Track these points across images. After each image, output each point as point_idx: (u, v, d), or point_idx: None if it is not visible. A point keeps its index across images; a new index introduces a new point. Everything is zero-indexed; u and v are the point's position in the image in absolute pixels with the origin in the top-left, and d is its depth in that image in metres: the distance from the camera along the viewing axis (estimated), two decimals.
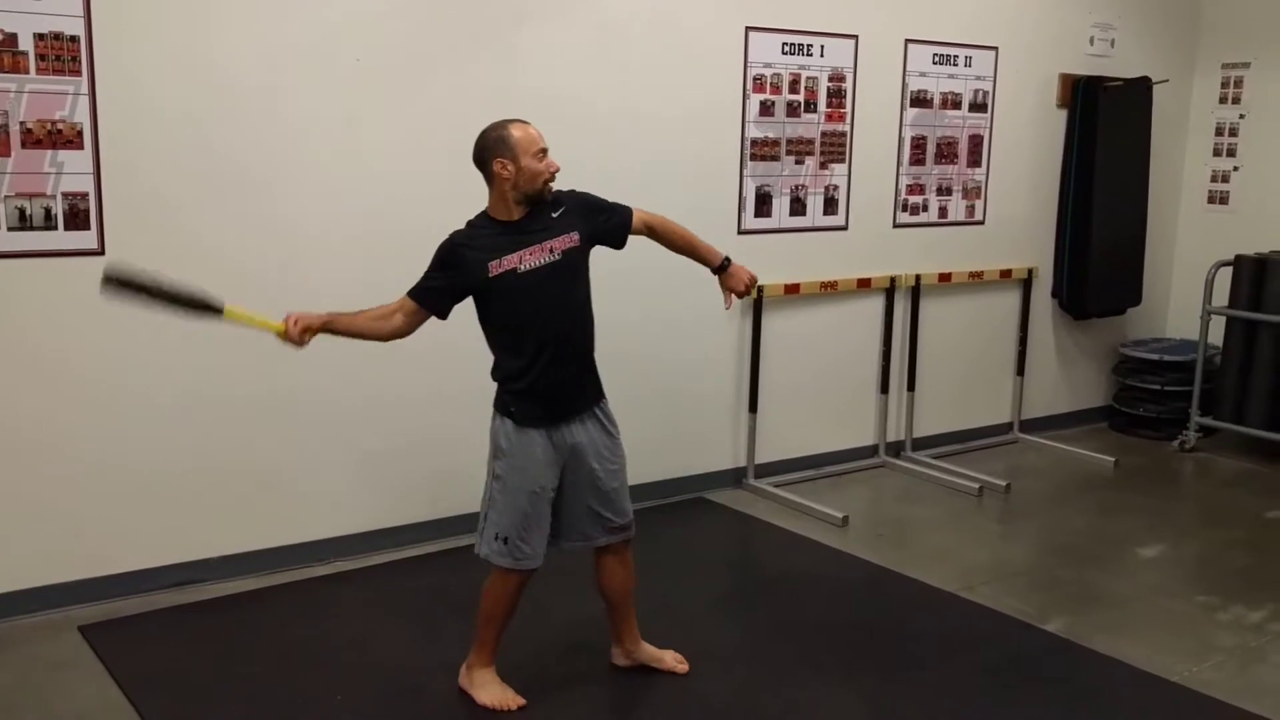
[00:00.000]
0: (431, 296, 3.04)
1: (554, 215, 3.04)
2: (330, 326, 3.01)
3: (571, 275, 3.06)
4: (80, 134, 3.59)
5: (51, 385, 3.68)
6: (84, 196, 3.63)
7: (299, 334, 2.96)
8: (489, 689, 3.18)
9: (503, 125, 2.99)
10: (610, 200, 3.20)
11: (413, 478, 4.38)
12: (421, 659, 3.46)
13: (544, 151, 2.99)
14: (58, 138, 3.56)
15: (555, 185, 3.04)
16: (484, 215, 3.07)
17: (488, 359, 4.36)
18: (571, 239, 3.04)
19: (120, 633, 3.62)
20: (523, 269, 2.98)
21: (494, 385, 3.14)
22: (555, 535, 3.17)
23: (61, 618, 3.70)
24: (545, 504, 3.08)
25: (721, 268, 3.30)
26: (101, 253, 3.67)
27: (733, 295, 3.31)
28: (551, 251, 3.01)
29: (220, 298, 2.98)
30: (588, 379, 3.14)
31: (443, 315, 3.09)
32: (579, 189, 3.18)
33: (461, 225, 3.09)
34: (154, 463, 3.87)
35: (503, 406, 3.09)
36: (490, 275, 2.97)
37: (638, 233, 3.22)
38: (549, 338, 3.01)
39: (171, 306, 2.94)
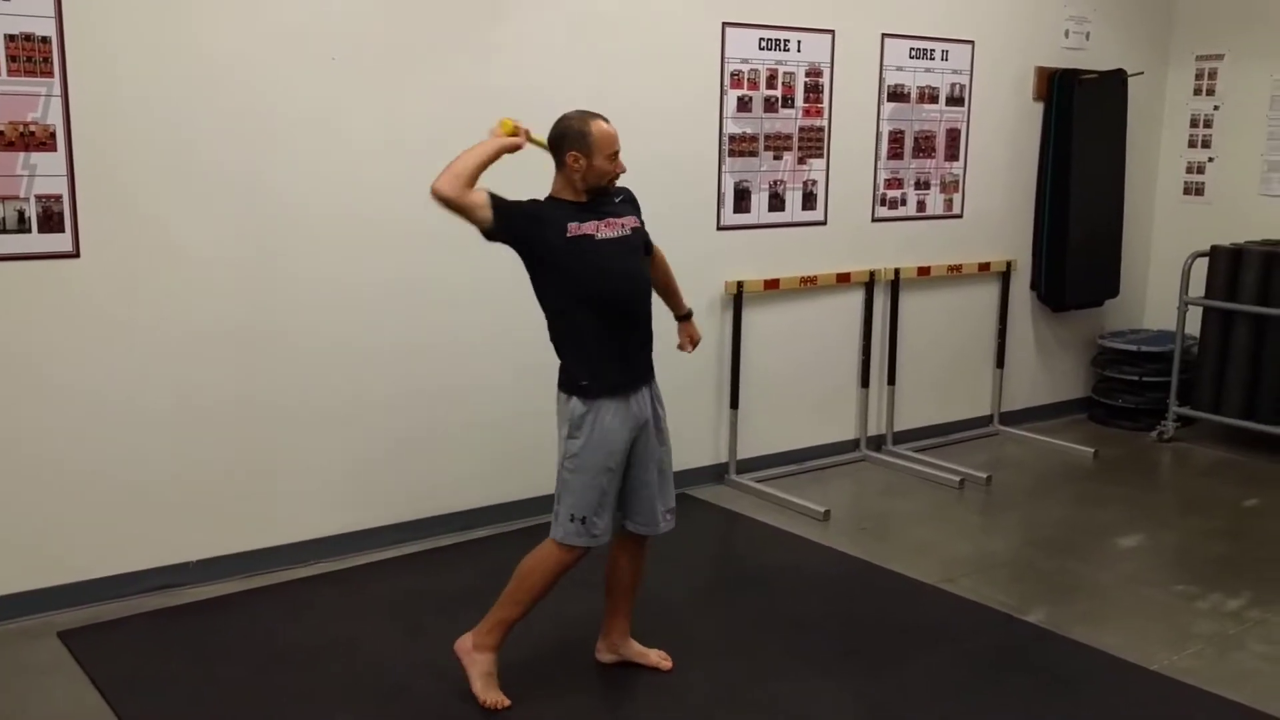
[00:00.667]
0: (506, 209, 2.95)
1: (616, 201, 3.14)
2: (509, 149, 3.04)
3: (638, 251, 3.17)
4: (53, 135, 3.56)
5: (27, 389, 3.65)
6: (58, 199, 3.60)
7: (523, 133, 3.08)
8: (486, 681, 3.17)
9: (586, 119, 3.03)
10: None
11: (394, 479, 4.36)
12: (405, 659, 3.45)
13: (617, 154, 3.05)
14: (30, 139, 3.53)
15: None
16: (550, 197, 3.10)
17: (461, 361, 4.39)
18: (636, 221, 3.17)
19: (100, 638, 3.59)
20: (599, 236, 3.05)
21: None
22: (625, 517, 3.22)
23: (40, 623, 3.67)
24: (617, 480, 3.12)
25: (685, 316, 3.51)
26: (76, 255, 3.64)
27: (690, 342, 3.53)
28: (623, 227, 3.11)
29: None
30: (648, 351, 3.21)
31: (494, 234, 2.97)
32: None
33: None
34: (133, 466, 3.84)
35: (572, 383, 3.09)
36: (568, 236, 3.00)
37: (648, 253, 3.31)
38: (621, 305, 3.08)
39: None
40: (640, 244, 3.19)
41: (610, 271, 3.05)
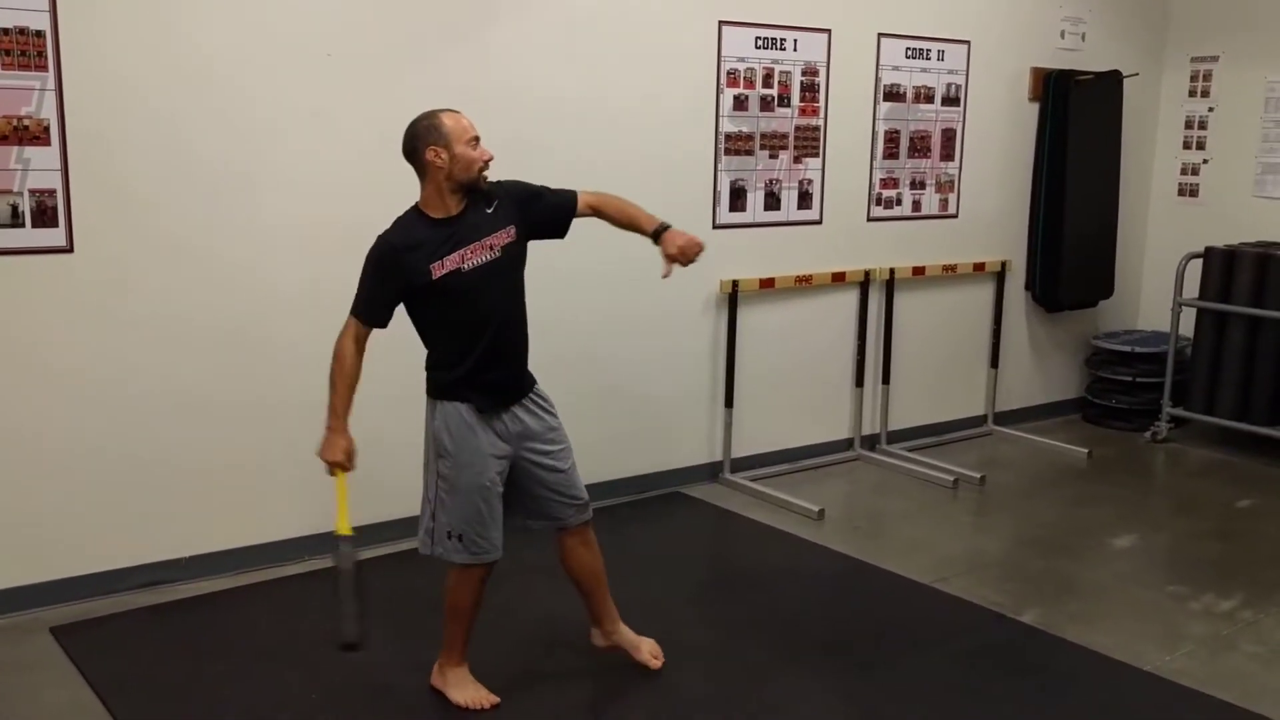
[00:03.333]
0: (375, 313, 2.97)
1: (489, 210, 2.99)
2: (344, 428, 3.03)
3: (510, 271, 3.03)
4: (47, 130, 3.55)
5: (19, 385, 3.64)
6: (51, 193, 3.59)
7: (348, 460, 3.04)
8: (463, 688, 3.17)
9: (433, 114, 2.93)
10: (553, 187, 3.14)
11: (384, 476, 4.34)
12: (394, 657, 3.45)
13: (476, 139, 2.94)
14: (24, 134, 3.52)
15: (490, 176, 3.00)
16: (416, 211, 2.99)
17: None
18: (509, 234, 3.00)
19: (92, 634, 3.58)
20: (466, 268, 2.93)
21: None
22: (525, 517, 3.17)
23: (32, 619, 3.67)
24: (496, 497, 3.05)
25: (656, 234, 3.10)
26: (70, 250, 3.63)
27: (672, 263, 3.07)
28: (492, 249, 2.97)
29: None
30: (524, 370, 3.13)
31: (385, 325, 3.01)
32: (527, 181, 3.14)
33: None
34: (125, 462, 3.83)
35: (441, 394, 3.03)
36: (434, 278, 2.91)
37: (583, 215, 3.16)
38: (490, 333, 2.98)
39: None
40: (514, 260, 3.01)
41: (483, 303, 2.96)
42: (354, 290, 3.02)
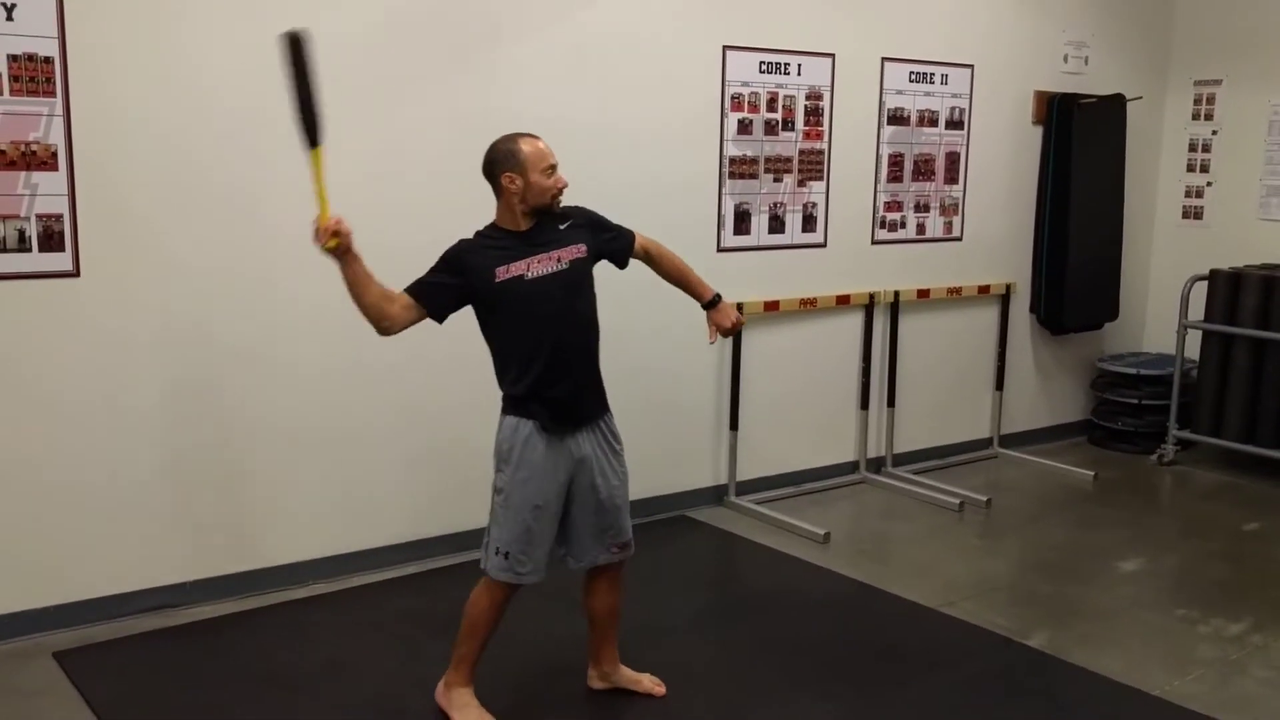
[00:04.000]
0: (430, 293, 2.98)
1: (561, 228, 3.06)
2: (353, 262, 2.88)
3: (577, 285, 3.07)
4: (55, 155, 3.57)
5: (26, 408, 3.65)
6: (59, 218, 3.60)
7: (329, 234, 2.84)
8: (466, 711, 3.15)
9: (513, 139, 3.00)
10: (614, 222, 3.22)
11: (389, 499, 4.35)
12: (400, 681, 3.43)
13: (553, 168, 3.00)
14: (32, 159, 3.54)
15: (563, 201, 3.07)
16: (492, 225, 3.08)
17: (463, 378, 4.38)
18: (579, 250, 3.06)
19: (95, 659, 3.57)
20: (530, 276, 2.98)
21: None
22: (565, 553, 3.17)
23: (34, 644, 3.65)
24: (549, 519, 3.06)
25: (711, 303, 3.32)
26: (77, 274, 3.64)
27: (717, 331, 3.33)
28: (559, 261, 3.02)
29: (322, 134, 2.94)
30: (591, 390, 3.13)
31: (439, 317, 3.04)
32: (586, 207, 3.20)
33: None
34: (130, 485, 3.83)
35: (508, 408, 3.08)
36: (497, 280, 2.96)
37: (636, 257, 3.26)
38: (553, 345, 3.01)
39: (296, 99, 2.92)
40: (581, 275, 3.06)
41: (545, 312, 2.99)
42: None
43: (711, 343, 3.40)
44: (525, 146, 2.97)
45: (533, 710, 3.27)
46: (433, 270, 3.03)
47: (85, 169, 3.62)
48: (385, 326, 2.96)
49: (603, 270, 3.42)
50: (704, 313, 3.36)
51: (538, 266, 2.99)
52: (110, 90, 3.63)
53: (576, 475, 3.08)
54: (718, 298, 3.33)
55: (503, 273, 2.97)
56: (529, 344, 3.01)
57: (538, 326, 3.00)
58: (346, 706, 3.29)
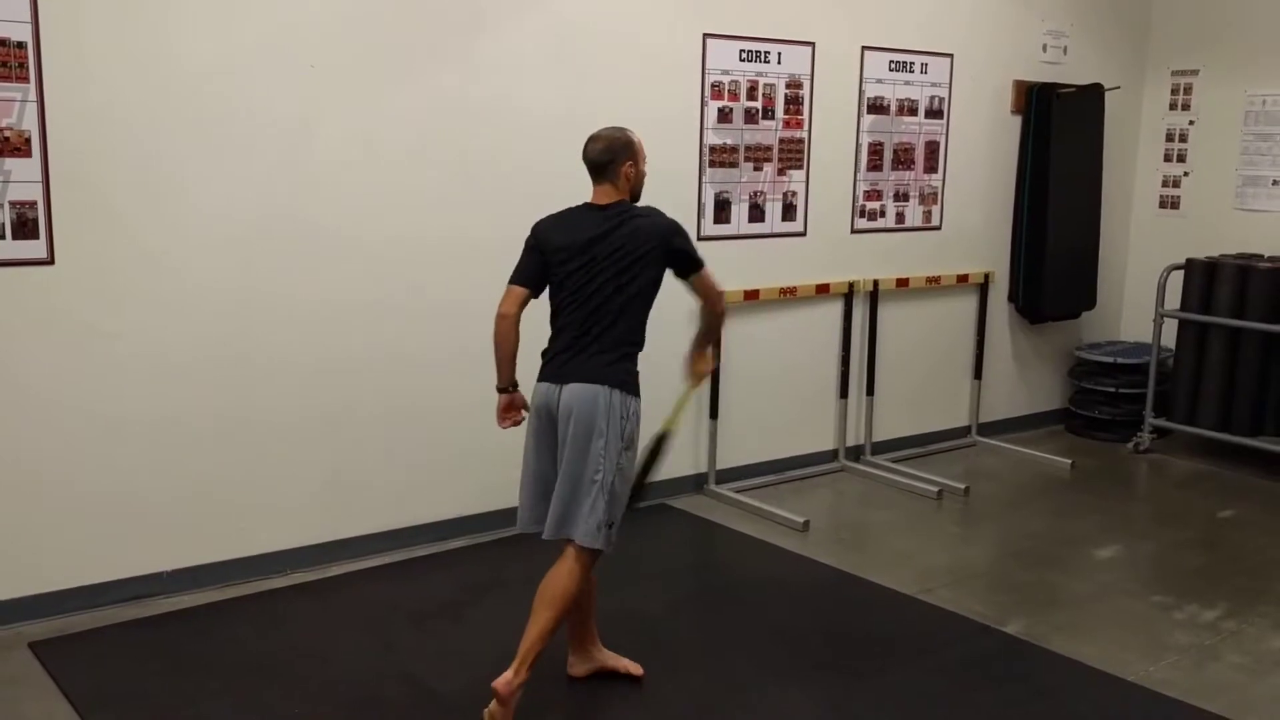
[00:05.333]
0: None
1: (637, 218, 3.17)
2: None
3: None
4: (28, 141, 3.53)
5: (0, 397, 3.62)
6: (32, 205, 3.57)
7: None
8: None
9: (627, 132, 3.22)
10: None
11: (368, 489, 4.34)
12: (380, 670, 3.43)
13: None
14: (4, 145, 3.50)
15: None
16: (584, 205, 3.22)
17: (438, 373, 4.37)
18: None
19: (72, 649, 3.55)
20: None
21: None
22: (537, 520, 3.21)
23: (11, 634, 3.63)
24: (540, 466, 3.19)
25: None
26: (50, 262, 3.61)
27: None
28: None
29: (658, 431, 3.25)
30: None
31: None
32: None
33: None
34: (107, 475, 3.80)
35: (632, 389, 3.14)
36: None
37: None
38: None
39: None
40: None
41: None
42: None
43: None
44: (637, 139, 3.22)
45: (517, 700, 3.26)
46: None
47: (59, 156, 3.58)
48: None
49: None
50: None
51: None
52: (85, 76, 3.59)
53: (558, 438, 3.18)
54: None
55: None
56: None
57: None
58: (326, 696, 3.28)
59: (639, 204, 3.25)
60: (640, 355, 3.18)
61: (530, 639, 3.03)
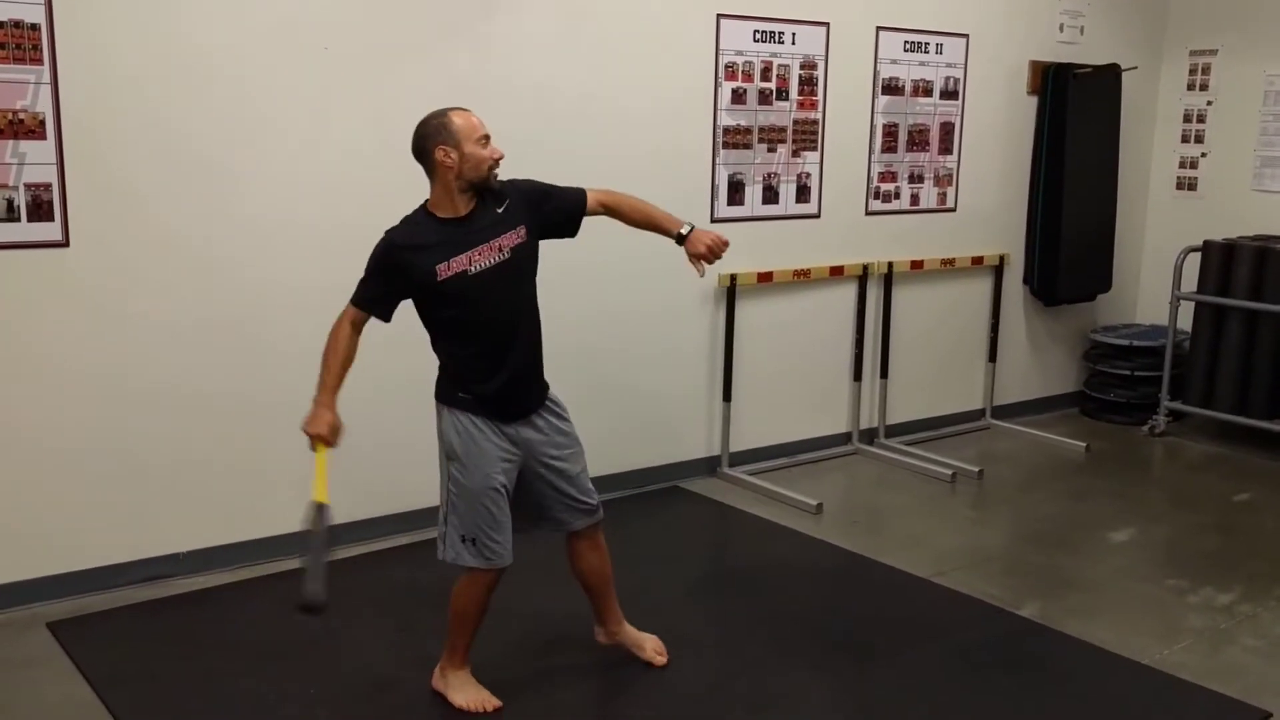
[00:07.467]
0: (377, 306, 2.96)
1: (499, 210, 2.95)
2: (331, 404, 2.98)
3: (519, 273, 2.98)
4: (42, 124, 3.53)
5: (15, 379, 3.63)
6: (47, 187, 3.57)
7: (331, 435, 2.99)
8: (464, 690, 3.14)
9: (442, 113, 2.89)
10: (561, 185, 3.10)
11: (383, 470, 4.35)
12: (395, 652, 3.44)
13: (487, 138, 2.89)
14: (19, 128, 3.50)
15: (500, 174, 2.96)
16: (424, 211, 2.95)
17: None
18: (519, 234, 2.96)
19: (89, 629, 3.58)
20: (474, 270, 2.89)
21: None
22: (533, 521, 3.15)
23: (29, 615, 3.66)
24: (505, 500, 3.02)
25: (683, 237, 3.12)
26: (66, 244, 3.62)
27: (700, 262, 3.11)
28: (501, 250, 2.92)
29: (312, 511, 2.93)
30: (534, 380, 3.08)
31: (387, 319, 3.00)
32: (529, 177, 3.10)
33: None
34: (123, 456, 3.82)
35: (448, 399, 3.01)
36: (439, 279, 2.86)
37: (594, 213, 3.12)
38: (499, 339, 2.96)
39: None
40: (524, 262, 2.96)
41: (490, 305, 2.92)
42: (352, 286, 3.00)
43: (700, 275, 3.21)
44: (456, 118, 2.86)
45: (530, 683, 3.27)
46: (367, 280, 2.95)
47: (74, 138, 3.58)
48: (339, 346, 2.99)
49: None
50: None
51: (480, 259, 2.89)
52: (99, 58, 3.59)
53: (528, 457, 3.05)
54: (691, 228, 3.12)
55: (444, 270, 2.86)
56: (471, 339, 2.95)
57: (482, 321, 2.94)
58: (340, 677, 3.30)
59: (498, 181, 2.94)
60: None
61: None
